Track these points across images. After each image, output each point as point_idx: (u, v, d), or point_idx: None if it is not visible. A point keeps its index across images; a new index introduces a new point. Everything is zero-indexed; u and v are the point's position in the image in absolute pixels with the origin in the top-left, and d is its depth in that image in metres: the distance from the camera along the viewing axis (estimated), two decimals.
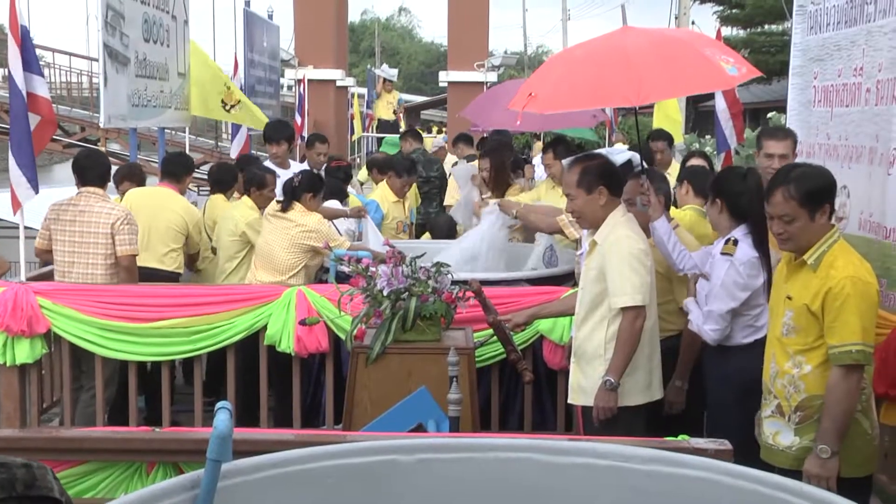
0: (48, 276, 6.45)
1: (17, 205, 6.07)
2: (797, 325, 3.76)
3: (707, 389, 4.62)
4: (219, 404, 2.62)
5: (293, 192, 6.30)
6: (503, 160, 8.04)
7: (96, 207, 6.14)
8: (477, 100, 10.90)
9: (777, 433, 3.86)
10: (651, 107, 12.72)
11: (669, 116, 10.82)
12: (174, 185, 7.06)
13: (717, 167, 9.01)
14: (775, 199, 3.74)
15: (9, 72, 5.99)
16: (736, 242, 4.39)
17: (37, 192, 5.97)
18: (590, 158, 4.67)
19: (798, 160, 5.72)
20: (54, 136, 18.98)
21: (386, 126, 18.04)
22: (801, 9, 6.31)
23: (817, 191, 3.72)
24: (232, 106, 9.88)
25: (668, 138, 9.16)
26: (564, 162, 7.14)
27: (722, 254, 4.40)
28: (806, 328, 3.73)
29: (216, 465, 2.45)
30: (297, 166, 7.80)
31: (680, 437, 3.29)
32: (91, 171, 6.27)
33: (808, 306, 3.68)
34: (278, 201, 6.37)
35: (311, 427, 5.97)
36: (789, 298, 3.80)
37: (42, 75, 6.23)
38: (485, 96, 11.18)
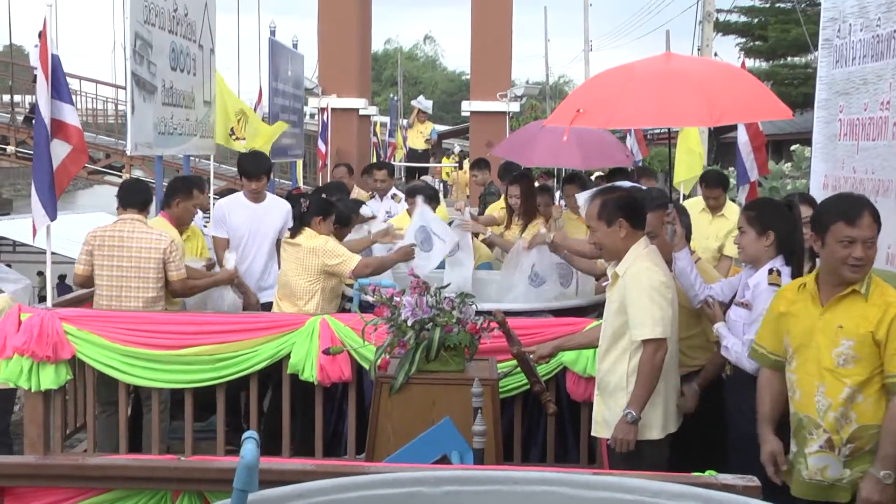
0: (74, 302, 6.50)
1: (34, 230, 6.11)
2: (859, 355, 3.68)
3: (732, 421, 4.58)
4: (245, 434, 2.63)
5: (302, 218, 6.33)
6: (532, 187, 8.09)
7: (144, 234, 6.21)
8: (509, 138, 10.96)
9: (825, 468, 3.78)
10: (667, 136, 12.73)
11: (691, 148, 10.78)
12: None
13: (742, 199, 9.01)
14: (865, 221, 3.68)
15: (36, 100, 6.05)
16: (779, 273, 4.40)
17: (53, 218, 5.97)
18: (611, 191, 4.68)
19: (824, 193, 5.72)
20: None
21: (417, 156, 18.13)
22: (827, 42, 6.30)
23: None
24: (238, 138, 9.85)
25: (723, 184, 8.32)
26: (580, 198, 7.17)
27: (770, 283, 4.39)
28: (868, 358, 3.66)
29: (243, 495, 2.44)
30: (273, 199, 7.62)
31: (707, 473, 3.26)
32: (134, 195, 6.40)
33: (873, 335, 3.63)
34: (290, 229, 6.41)
35: (332, 456, 5.96)
36: (841, 328, 3.73)
37: (72, 104, 6.27)
38: (517, 134, 11.30)
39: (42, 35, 5.96)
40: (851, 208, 3.73)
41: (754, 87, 4.95)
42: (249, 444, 2.54)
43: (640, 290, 4.32)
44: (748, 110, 4.99)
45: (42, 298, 20.54)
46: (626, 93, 4.81)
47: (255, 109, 11.37)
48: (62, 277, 17.70)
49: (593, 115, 4.81)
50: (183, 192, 6.86)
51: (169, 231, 6.56)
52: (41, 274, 22.39)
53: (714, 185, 8.08)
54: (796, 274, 4.42)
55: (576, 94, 5.47)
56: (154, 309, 6.23)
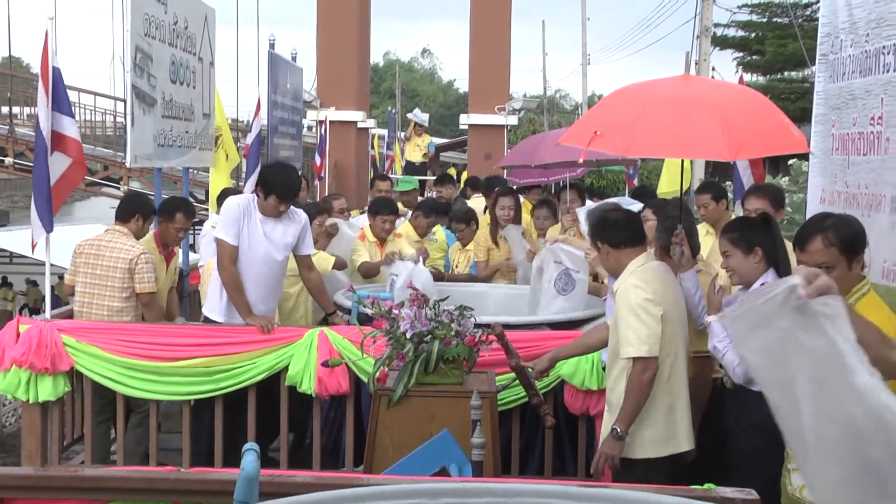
0: (72, 314, 6.52)
1: (34, 242, 6.13)
2: None
3: (733, 435, 4.56)
4: (246, 446, 2.64)
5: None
6: (519, 200, 8.17)
7: (118, 243, 6.26)
8: (512, 150, 11.02)
9: (804, 486, 3.76)
10: None
11: (677, 163, 10.80)
12: None
13: (739, 213, 9.02)
14: (813, 246, 3.65)
15: (37, 112, 6.09)
16: None
17: (48, 230, 5.99)
18: (599, 211, 4.73)
19: (821, 208, 5.75)
20: None
21: (414, 169, 18.16)
22: (824, 57, 6.34)
23: (855, 238, 3.68)
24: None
25: (715, 191, 7.40)
26: (581, 213, 7.18)
27: None
28: None
29: None
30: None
31: (706, 486, 3.27)
32: (122, 207, 6.49)
33: None
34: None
35: (328, 469, 5.96)
36: None
37: (72, 116, 6.31)
38: (520, 145, 11.39)
39: (43, 47, 5.99)
40: (803, 234, 3.74)
41: (771, 116, 4.85)
42: (250, 455, 2.56)
43: (626, 309, 4.34)
44: (767, 144, 4.89)
45: (35, 311, 20.58)
46: (644, 119, 4.73)
47: (252, 122, 11.38)
48: (53, 289, 17.77)
49: (611, 141, 4.74)
50: (165, 214, 6.89)
51: (149, 248, 6.65)
52: (35, 284, 22.44)
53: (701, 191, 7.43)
54: None
55: (592, 114, 5.42)
56: (121, 319, 6.24)
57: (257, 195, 6.05)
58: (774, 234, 4.61)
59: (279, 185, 5.96)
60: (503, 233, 8.01)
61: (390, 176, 17.69)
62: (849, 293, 3.69)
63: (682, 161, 6.12)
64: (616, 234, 4.52)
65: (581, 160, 5.24)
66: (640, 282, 4.37)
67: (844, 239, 3.65)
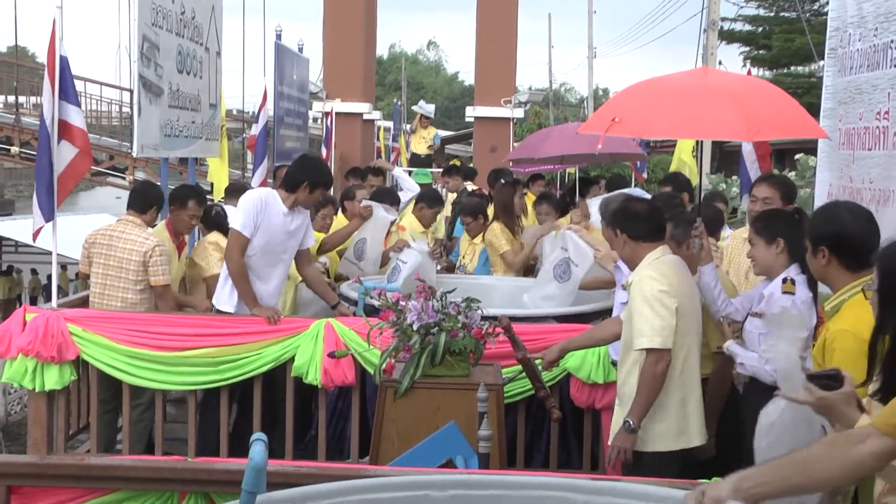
0: (79, 303, 6.51)
1: (35, 232, 6.10)
2: None
3: (747, 431, 4.53)
4: (254, 436, 2.64)
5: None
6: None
7: (132, 235, 6.24)
8: (523, 143, 11.05)
9: None
10: (668, 144, 12.88)
11: (681, 158, 10.81)
12: None
13: (745, 208, 9.01)
14: None
15: (42, 102, 6.07)
16: (794, 282, 4.38)
17: (48, 220, 5.97)
18: (621, 200, 4.71)
19: (826, 201, 5.73)
20: None
21: (419, 161, 18.14)
22: (833, 52, 6.32)
23: (816, 231, 3.77)
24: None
25: (676, 183, 7.63)
26: (592, 204, 7.16)
27: (784, 292, 4.37)
28: None
29: (251, 497, 2.46)
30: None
31: (713, 480, 3.26)
32: (136, 197, 6.45)
33: (815, 357, 3.64)
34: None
35: (333, 460, 5.96)
36: (813, 345, 3.75)
37: (79, 105, 6.28)
38: (532, 137, 11.42)
39: (50, 36, 5.96)
40: None
41: (790, 104, 4.91)
42: (258, 445, 2.56)
43: (642, 299, 4.32)
44: (785, 127, 4.95)
45: (33, 300, 20.60)
46: (662, 104, 4.81)
47: (258, 113, 11.38)
48: (49, 277, 17.90)
49: (629, 125, 4.81)
50: (178, 202, 6.83)
51: (162, 238, 6.59)
52: (35, 272, 22.50)
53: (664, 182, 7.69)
54: (810, 281, 4.41)
55: (611, 104, 5.47)
56: (137, 311, 6.22)
57: (284, 190, 6.00)
58: (804, 230, 4.60)
59: (320, 178, 6.08)
60: (523, 233, 7.97)
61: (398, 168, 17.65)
62: (839, 291, 3.67)
63: (699, 142, 6.17)
64: (636, 226, 4.50)
65: (600, 146, 5.25)
66: (655, 273, 4.36)
67: (810, 228, 3.87)
